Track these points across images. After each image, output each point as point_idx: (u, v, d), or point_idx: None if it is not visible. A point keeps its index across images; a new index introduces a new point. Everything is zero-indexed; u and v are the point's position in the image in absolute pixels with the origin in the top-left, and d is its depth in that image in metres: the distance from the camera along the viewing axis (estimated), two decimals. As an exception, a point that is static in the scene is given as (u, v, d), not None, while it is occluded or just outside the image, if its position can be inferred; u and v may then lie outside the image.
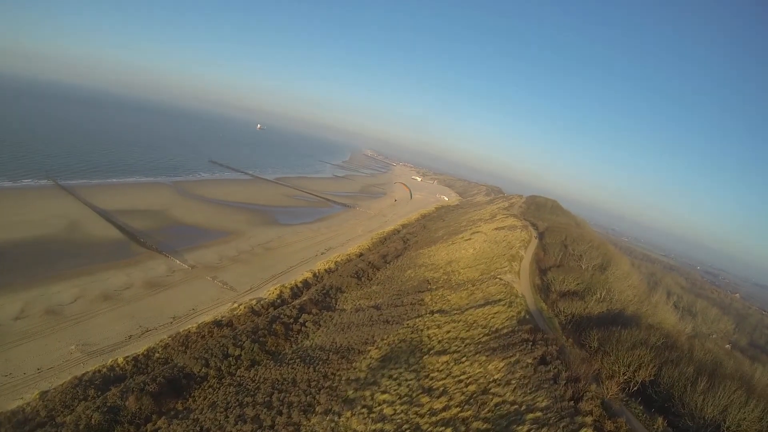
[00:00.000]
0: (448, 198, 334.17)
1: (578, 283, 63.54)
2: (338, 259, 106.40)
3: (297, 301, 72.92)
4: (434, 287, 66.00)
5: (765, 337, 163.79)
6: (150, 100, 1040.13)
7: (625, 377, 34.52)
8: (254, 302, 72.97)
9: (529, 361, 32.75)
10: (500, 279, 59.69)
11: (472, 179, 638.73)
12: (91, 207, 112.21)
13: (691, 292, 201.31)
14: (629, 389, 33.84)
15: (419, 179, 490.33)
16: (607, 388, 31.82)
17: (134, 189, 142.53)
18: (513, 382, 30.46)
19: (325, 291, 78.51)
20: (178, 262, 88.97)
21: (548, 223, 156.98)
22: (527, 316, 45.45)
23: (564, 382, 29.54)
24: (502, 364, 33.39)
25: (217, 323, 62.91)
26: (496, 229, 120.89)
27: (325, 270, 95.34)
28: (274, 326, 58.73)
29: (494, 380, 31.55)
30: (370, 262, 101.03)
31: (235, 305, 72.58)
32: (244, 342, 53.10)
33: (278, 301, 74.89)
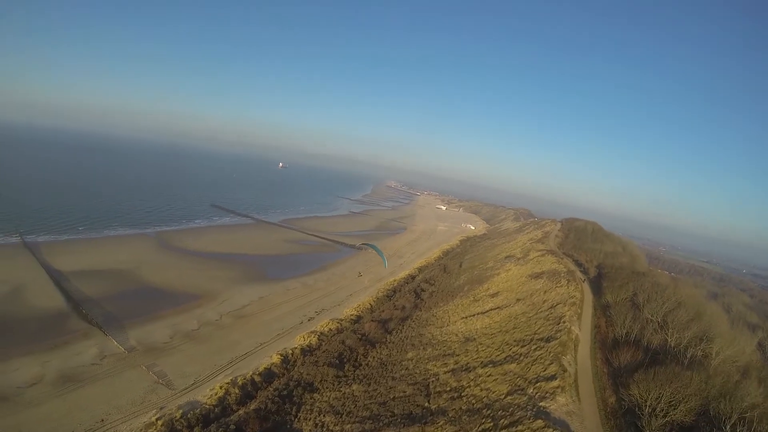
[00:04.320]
0: (474, 227, 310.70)
1: (686, 401, 37.38)
2: (327, 329, 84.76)
3: (240, 413, 51.37)
4: (434, 411, 42.61)
5: None
6: (171, 143, 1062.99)
7: None
8: (180, 413, 51.84)
9: None
10: (546, 410, 35.56)
11: (500, 203, 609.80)
12: (46, 269, 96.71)
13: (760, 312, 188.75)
14: None
15: (444, 208, 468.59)
16: None
17: (108, 244, 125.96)
18: None
19: (288, 391, 56.69)
20: (115, 343, 69.94)
21: (597, 260, 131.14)
22: None
23: None
24: None
25: (109, 459, 42.53)
26: (531, 276, 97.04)
27: (303, 349, 73.58)
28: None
29: None
30: (364, 335, 79.06)
31: (155, 418, 51.81)
32: None
33: (216, 409, 53.41)
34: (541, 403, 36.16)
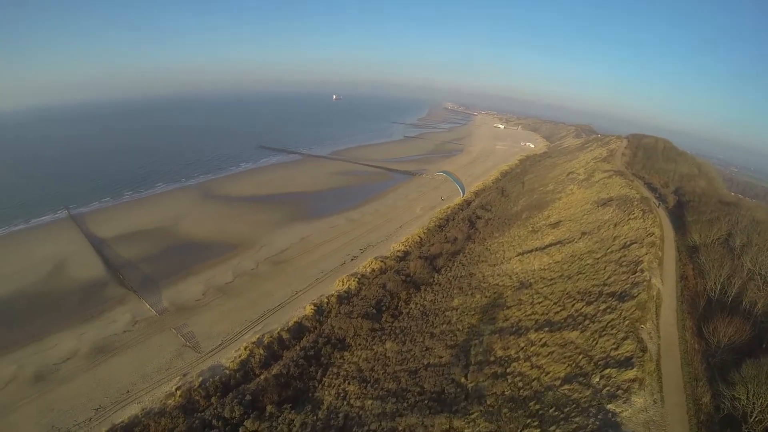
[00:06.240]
0: (533, 145, 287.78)
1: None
2: (369, 269, 77.22)
3: (260, 379, 45.64)
4: (470, 391, 33.27)
5: None
6: (217, 94, 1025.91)
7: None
8: (199, 382, 47.75)
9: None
10: (616, 418, 25.07)
11: (559, 119, 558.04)
12: (89, 239, 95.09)
13: None
14: None
15: (502, 127, 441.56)
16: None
17: (150, 203, 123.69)
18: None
19: (316, 350, 50.20)
20: (147, 306, 67.13)
21: (673, 183, 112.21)
22: None
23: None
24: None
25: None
26: (597, 203, 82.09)
27: (340, 296, 66.64)
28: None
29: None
30: (408, 275, 70.38)
31: (175, 387, 48.16)
32: None
33: (238, 375, 48.31)
34: (609, 406, 25.53)
